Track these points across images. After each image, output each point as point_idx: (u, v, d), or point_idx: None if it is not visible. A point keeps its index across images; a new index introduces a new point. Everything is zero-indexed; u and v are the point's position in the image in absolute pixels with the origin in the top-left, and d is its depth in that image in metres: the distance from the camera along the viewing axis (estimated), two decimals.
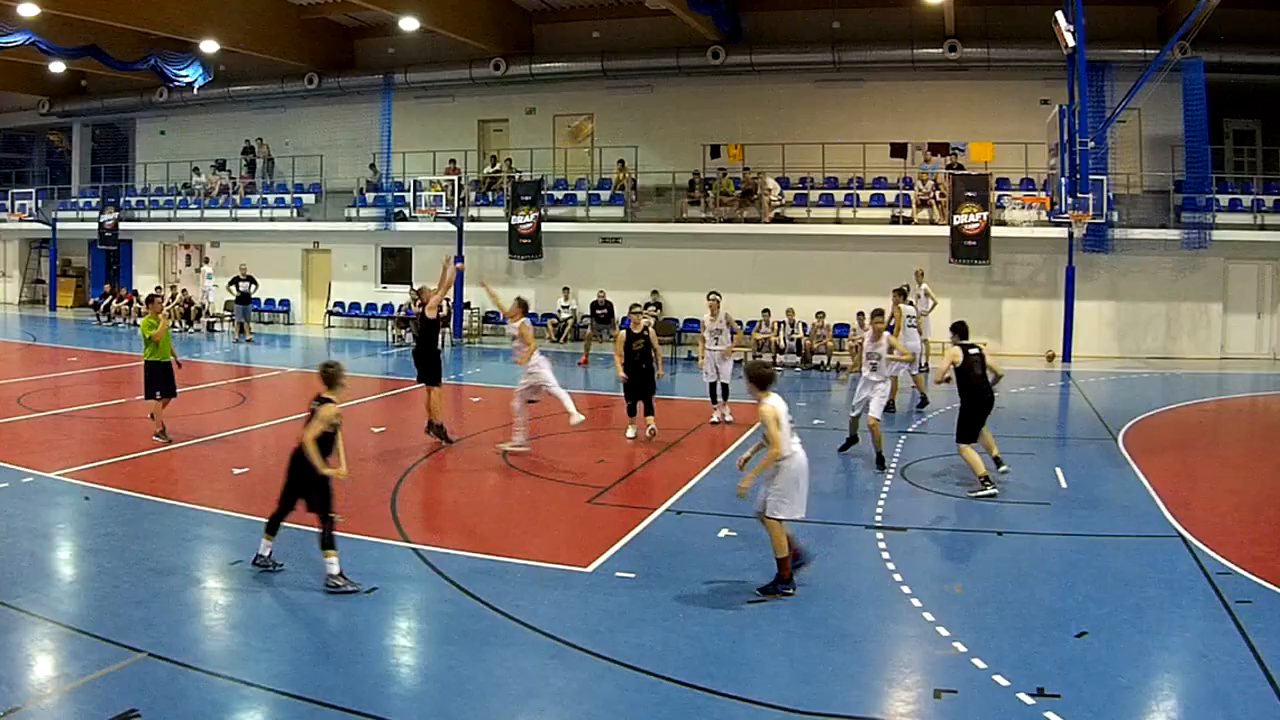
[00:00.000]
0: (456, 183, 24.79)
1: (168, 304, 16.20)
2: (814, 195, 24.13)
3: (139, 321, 12.13)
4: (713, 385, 13.93)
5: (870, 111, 24.46)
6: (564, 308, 24.75)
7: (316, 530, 7.09)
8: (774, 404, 7.21)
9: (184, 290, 27.34)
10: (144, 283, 29.12)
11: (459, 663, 6.10)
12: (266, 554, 7.39)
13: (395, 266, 27.71)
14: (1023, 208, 21.60)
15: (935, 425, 13.89)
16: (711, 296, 14.16)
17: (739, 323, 16.81)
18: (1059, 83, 20.75)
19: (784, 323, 21.24)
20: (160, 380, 11.96)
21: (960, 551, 8.57)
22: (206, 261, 29.38)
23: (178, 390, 12.28)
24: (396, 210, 26.49)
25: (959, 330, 10.69)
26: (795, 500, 7.19)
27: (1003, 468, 10.55)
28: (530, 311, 25.71)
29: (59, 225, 31.68)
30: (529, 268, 26.01)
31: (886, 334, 11.72)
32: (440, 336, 12.80)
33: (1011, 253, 22.39)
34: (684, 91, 26.02)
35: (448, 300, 24.27)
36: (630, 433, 12.73)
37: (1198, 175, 21.44)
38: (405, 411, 15.94)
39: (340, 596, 6.95)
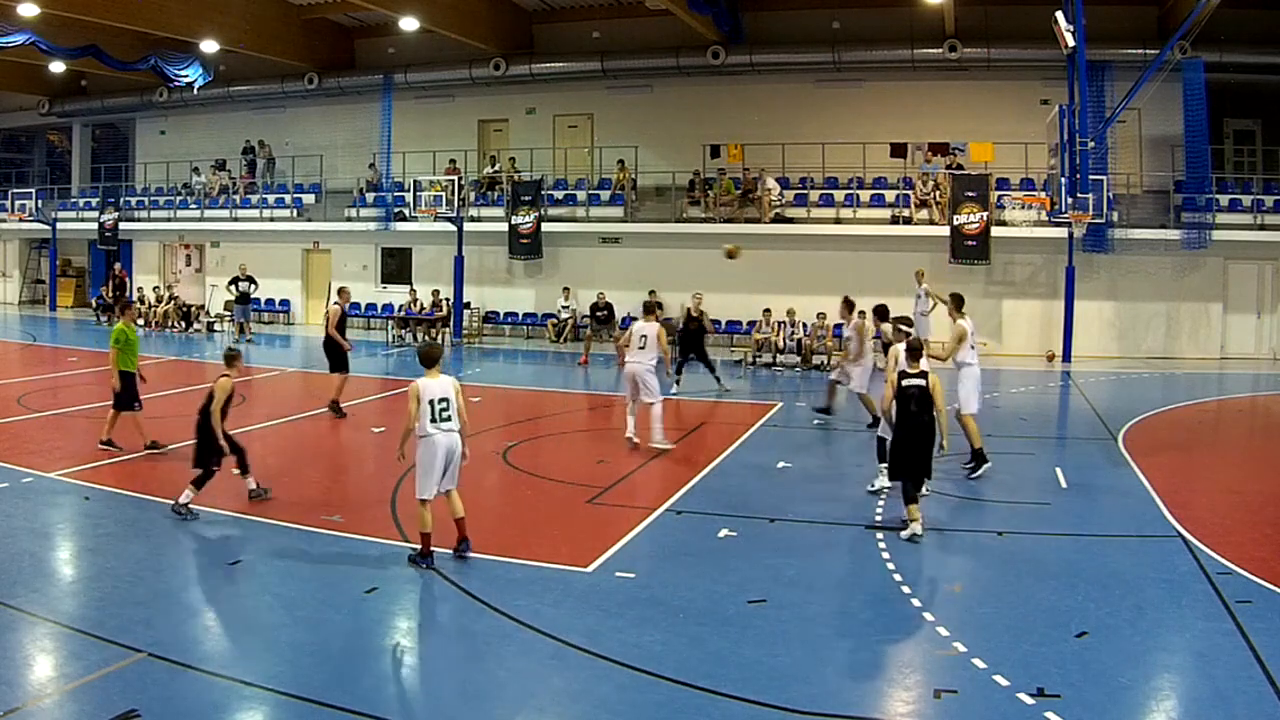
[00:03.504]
0: (456, 183, 24.79)
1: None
2: (814, 195, 24.11)
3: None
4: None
5: (870, 111, 24.46)
6: (564, 308, 24.75)
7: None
8: (423, 383, 7.52)
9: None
10: (145, 283, 29.08)
11: (459, 663, 6.11)
12: (187, 503, 8.73)
13: (395, 266, 27.69)
14: (1023, 208, 21.60)
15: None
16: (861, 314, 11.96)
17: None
18: (1059, 83, 20.73)
19: (784, 323, 21.23)
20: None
21: (960, 551, 8.56)
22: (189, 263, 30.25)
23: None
24: (396, 210, 26.47)
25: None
26: (427, 481, 7.44)
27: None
28: (530, 312, 26.18)
29: (59, 225, 31.64)
30: (529, 268, 26.01)
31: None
32: None
33: (1011, 253, 22.38)
34: (684, 91, 26.01)
35: (447, 300, 24.65)
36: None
37: (1198, 175, 21.41)
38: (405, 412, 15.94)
39: (339, 597, 7.01)
